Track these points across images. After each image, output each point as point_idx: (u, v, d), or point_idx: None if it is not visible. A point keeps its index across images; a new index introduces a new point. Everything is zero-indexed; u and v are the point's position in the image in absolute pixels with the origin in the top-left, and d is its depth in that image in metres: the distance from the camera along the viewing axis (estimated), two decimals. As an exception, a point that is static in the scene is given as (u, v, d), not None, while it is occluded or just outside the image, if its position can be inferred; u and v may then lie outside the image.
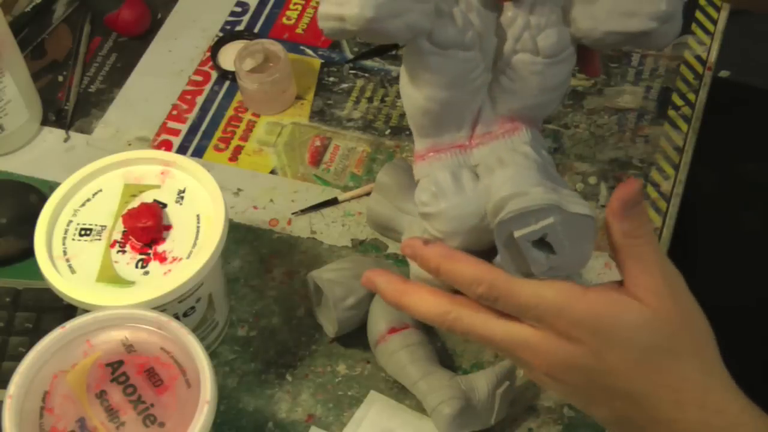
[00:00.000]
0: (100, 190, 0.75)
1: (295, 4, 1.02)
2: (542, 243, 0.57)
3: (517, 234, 0.56)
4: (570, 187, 0.60)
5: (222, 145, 0.92)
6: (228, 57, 0.96)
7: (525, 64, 0.59)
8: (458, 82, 0.59)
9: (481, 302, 0.59)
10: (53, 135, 0.94)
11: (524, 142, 0.60)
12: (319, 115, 0.94)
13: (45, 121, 0.94)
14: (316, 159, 0.90)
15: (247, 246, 0.85)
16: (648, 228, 0.57)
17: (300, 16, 1.01)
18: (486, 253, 0.60)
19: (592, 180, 0.87)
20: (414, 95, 0.60)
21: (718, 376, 0.58)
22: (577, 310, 0.57)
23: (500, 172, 0.59)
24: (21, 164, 0.91)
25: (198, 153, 0.91)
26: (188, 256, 0.71)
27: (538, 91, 0.60)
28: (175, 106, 0.95)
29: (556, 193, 0.57)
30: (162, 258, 0.72)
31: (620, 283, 0.58)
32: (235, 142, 0.92)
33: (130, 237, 0.72)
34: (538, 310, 0.57)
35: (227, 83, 0.96)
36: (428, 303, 0.61)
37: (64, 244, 0.72)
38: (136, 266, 0.71)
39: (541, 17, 0.58)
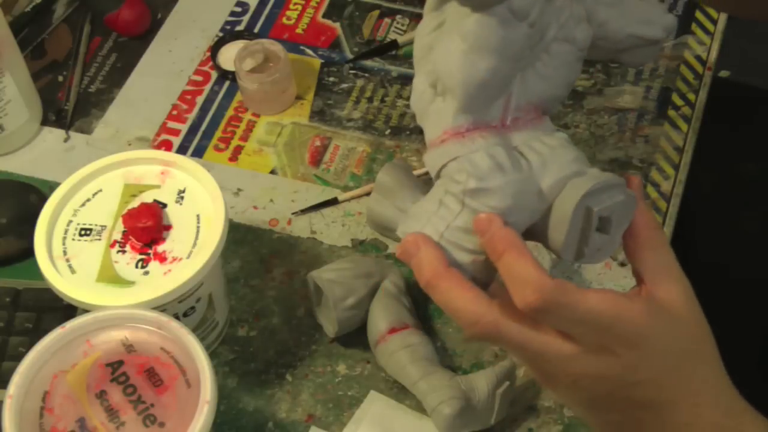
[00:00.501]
0: (100, 190, 0.75)
1: (295, 4, 1.02)
2: (599, 223, 0.58)
3: (596, 208, 0.57)
4: None
5: (222, 145, 0.92)
6: (228, 57, 0.96)
7: (561, 53, 0.60)
8: (516, 54, 0.58)
9: (521, 308, 0.56)
10: (53, 135, 0.94)
11: (555, 131, 0.61)
12: (319, 115, 0.94)
13: (45, 121, 0.94)
14: (316, 159, 0.90)
15: (247, 246, 0.85)
16: (662, 232, 0.58)
17: (300, 16, 1.01)
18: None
19: (592, 180, 0.87)
20: (476, 65, 0.58)
21: (724, 376, 0.58)
22: (625, 325, 0.55)
23: (556, 153, 0.59)
24: (21, 164, 0.91)
25: (198, 153, 0.91)
26: (188, 256, 0.71)
27: (565, 82, 0.61)
28: (175, 106, 0.95)
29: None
30: (162, 258, 0.72)
31: (640, 288, 0.58)
32: (235, 142, 0.92)
33: (130, 237, 0.72)
34: (593, 324, 0.55)
35: (227, 83, 0.96)
36: (465, 299, 0.57)
37: (64, 244, 0.72)
38: (136, 266, 0.71)
39: (580, 10, 0.60)
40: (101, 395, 0.64)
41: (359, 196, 0.88)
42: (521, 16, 0.57)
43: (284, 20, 1.01)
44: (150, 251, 0.72)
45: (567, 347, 0.56)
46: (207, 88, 0.96)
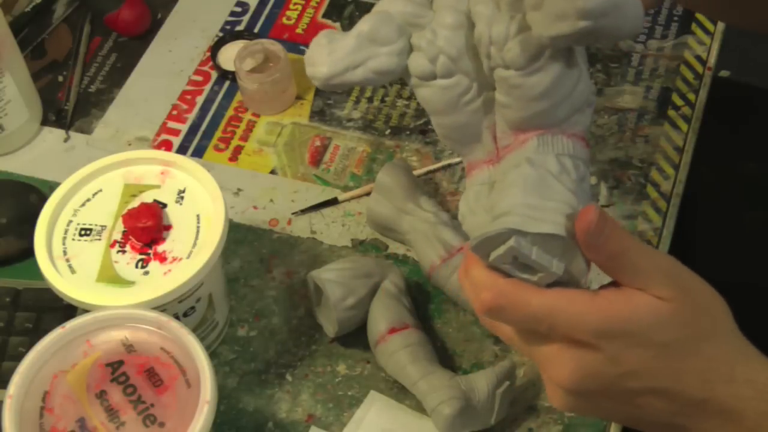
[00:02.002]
0: (100, 190, 0.75)
1: (295, 4, 1.02)
2: (525, 264, 0.56)
3: (490, 258, 0.56)
4: (571, 194, 0.57)
5: (222, 145, 0.92)
6: (228, 57, 0.96)
7: (503, 79, 0.57)
8: (451, 107, 0.59)
9: (487, 315, 0.58)
10: (53, 135, 0.94)
11: (525, 155, 0.58)
12: (319, 115, 0.94)
13: (45, 121, 0.94)
14: (316, 159, 0.90)
15: (247, 246, 0.85)
16: (623, 238, 0.56)
17: (300, 16, 1.01)
18: None
19: (592, 180, 0.87)
20: (432, 121, 0.61)
21: (740, 347, 0.57)
22: (590, 319, 0.55)
23: (497, 190, 0.58)
24: (21, 164, 0.91)
25: (198, 153, 0.91)
26: (188, 256, 0.71)
27: (525, 102, 0.57)
28: (175, 106, 0.95)
29: (531, 211, 0.55)
30: (162, 258, 0.72)
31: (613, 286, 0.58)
32: (235, 142, 0.92)
33: (130, 237, 0.72)
34: (551, 320, 0.56)
35: (227, 83, 0.96)
36: (482, 269, 0.58)
37: (64, 244, 0.72)
38: (136, 266, 0.71)
39: (499, 31, 0.56)
40: (101, 395, 0.64)
41: (359, 196, 0.88)
42: (423, 77, 0.59)
43: (284, 20, 1.01)
44: (150, 251, 0.72)
45: (547, 347, 0.57)
46: (207, 88, 0.96)
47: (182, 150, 0.91)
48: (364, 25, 0.59)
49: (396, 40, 0.58)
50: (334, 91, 0.57)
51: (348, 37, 0.59)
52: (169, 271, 0.71)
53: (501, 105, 0.58)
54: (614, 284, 0.57)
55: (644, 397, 0.58)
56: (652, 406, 0.58)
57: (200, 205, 0.74)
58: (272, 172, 0.90)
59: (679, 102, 0.93)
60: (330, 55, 0.58)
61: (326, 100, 0.94)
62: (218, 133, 0.93)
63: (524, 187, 0.56)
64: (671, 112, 0.92)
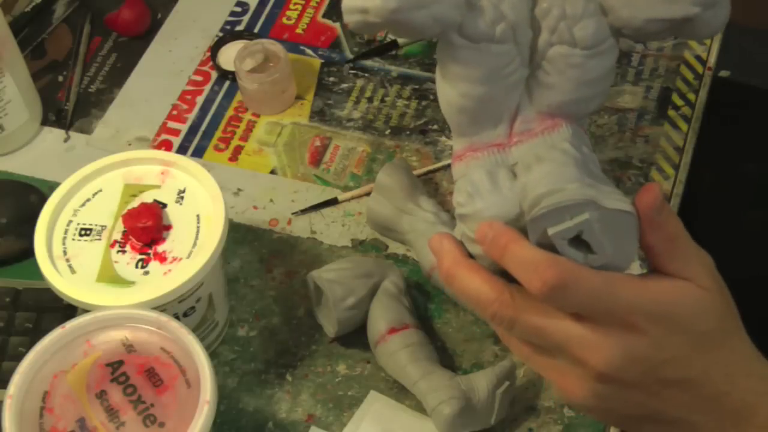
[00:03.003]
0: (100, 190, 0.75)
1: (295, 4, 1.02)
2: (580, 242, 0.55)
3: (550, 231, 0.54)
4: (613, 185, 0.57)
5: (222, 145, 0.92)
6: (228, 57, 0.96)
7: (562, 57, 0.57)
8: (493, 76, 0.57)
9: (536, 290, 0.55)
10: (53, 135, 0.94)
11: (564, 139, 0.58)
12: (319, 115, 0.94)
13: (45, 121, 0.94)
14: (316, 159, 0.90)
15: (247, 246, 0.85)
16: (677, 221, 0.57)
17: (300, 16, 1.01)
18: None
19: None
20: (448, 92, 0.59)
21: (751, 346, 0.59)
22: (642, 300, 0.55)
23: (537, 169, 0.57)
24: (21, 164, 0.91)
25: (198, 153, 0.91)
26: (188, 256, 0.71)
27: (576, 85, 0.57)
28: (175, 106, 0.95)
29: (594, 189, 0.55)
30: (162, 258, 0.72)
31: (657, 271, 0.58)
32: (235, 142, 0.92)
33: (130, 237, 0.72)
34: (612, 300, 0.55)
35: (227, 83, 0.96)
36: (481, 281, 0.57)
37: (64, 244, 0.72)
38: (136, 266, 0.71)
39: (577, 7, 0.56)
40: (101, 395, 0.64)
41: (359, 196, 0.88)
42: (475, 39, 0.57)
43: (284, 20, 1.01)
44: (150, 251, 0.72)
45: (589, 330, 0.55)
46: (207, 88, 0.96)
47: (182, 150, 0.91)
48: None
49: None
50: (396, 28, 0.54)
51: None
52: (169, 271, 0.71)
53: (545, 86, 0.58)
54: (653, 273, 0.57)
55: (671, 389, 0.57)
56: (675, 399, 0.58)
57: (200, 205, 0.74)
58: (272, 172, 0.90)
59: (679, 102, 0.93)
60: None
61: (326, 100, 0.94)
62: (218, 133, 0.93)
63: (576, 167, 0.56)
64: (671, 112, 0.92)
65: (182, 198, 0.74)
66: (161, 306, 0.69)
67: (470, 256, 0.59)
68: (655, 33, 0.56)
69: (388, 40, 0.98)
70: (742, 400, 0.57)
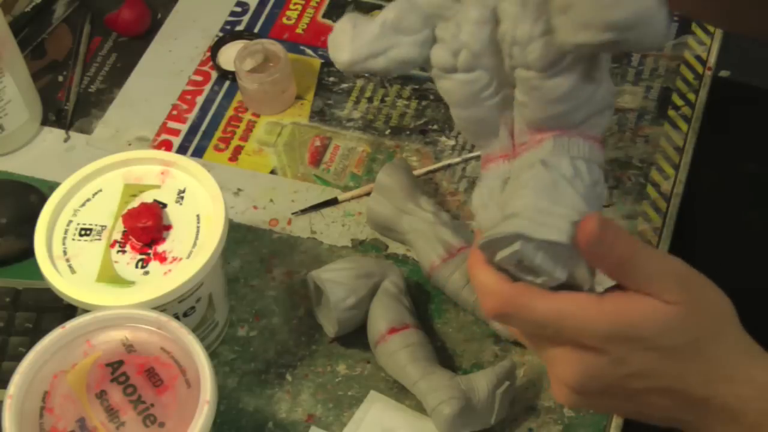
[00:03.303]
0: (100, 190, 0.75)
1: (295, 4, 1.02)
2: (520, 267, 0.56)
3: (496, 258, 0.56)
4: (579, 205, 0.56)
5: (222, 145, 0.92)
6: (228, 57, 0.96)
7: (523, 79, 0.57)
8: (470, 101, 0.59)
9: (487, 315, 0.59)
10: (53, 135, 0.93)
11: (540, 156, 0.58)
12: (319, 115, 0.93)
13: (45, 121, 0.94)
14: (316, 159, 0.90)
15: (247, 246, 0.85)
16: (626, 241, 0.56)
17: (300, 16, 1.01)
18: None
19: (592, 180, 0.87)
20: (451, 112, 0.61)
21: (743, 347, 0.58)
22: (597, 325, 0.56)
23: (508, 189, 0.58)
24: (21, 164, 0.91)
25: (198, 153, 0.91)
26: (188, 256, 0.71)
27: (544, 103, 0.57)
28: (175, 106, 0.95)
29: (539, 215, 0.55)
30: (162, 258, 0.72)
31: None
32: (235, 142, 0.92)
33: (130, 237, 0.72)
34: (558, 325, 0.56)
35: (227, 83, 0.96)
36: (490, 273, 0.58)
37: (64, 244, 0.72)
38: (136, 266, 0.71)
39: (524, 31, 0.56)
40: (101, 395, 0.64)
41: (359, 196, 0.88)
42: (444, 70, 0.59)
43: (284, 20, 1.01)
44: (150, 251, 0.72)
45: (555, 346, 0.58)
46: (207, 88, 0.96)
47: (182, 150, 0.91)
48: (389, 12, 0.58)
49: (420, 30, 0.58)
50: (356, 75, 0.58)
51: (372, 23, 0.58)
52: (169, 271, 0.71)
53: (520, 104, 0.58)
54: (619, 287, 0.57)
55: (648, 396, 0.58)
56: (656, 404, 0.58)
57: (200, 205, 0.74)
58: (272, 172, 0.90)
59: (679, 102, 0.93)
60: (353, 41, 0.58)
61: (326, 100, 0.94)
62: (218, 133, 0.93)
63: (536, 190, 0.56)
64: (671, 112, 0.92)
65: (182, 198, 0.74)
66: (161, 306, 0.69)
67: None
68: (594, 52, 0.56)
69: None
70: (725, 404, 0.57)
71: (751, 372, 0.57)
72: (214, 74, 0.97)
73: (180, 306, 0.72)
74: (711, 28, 0.98)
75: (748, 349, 0.58)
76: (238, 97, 0.95)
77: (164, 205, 0.74)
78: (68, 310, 0.75)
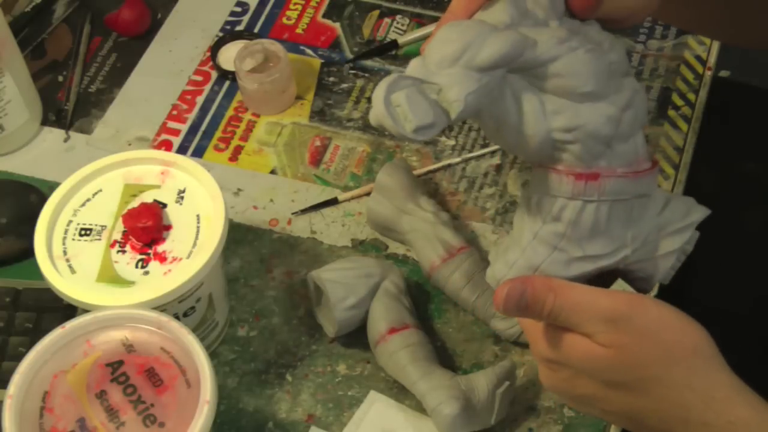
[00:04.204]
0: (100, 190, 0.75)
1: (295, 4, 1.02)
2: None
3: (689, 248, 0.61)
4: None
5: (222, 145, 0.92)
6: (228, 57, 0.96)
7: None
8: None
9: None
10: (53, 135, 0.93)
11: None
12: (319, 115, 0.93)
13: (45, 121, 0.94)
14: (316, 159, 0.90)
15: (247, 246, 0.85)
16: (548, 301, 0.58)
17: (300, 16, 1.01)
18: None
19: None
20: None
21: (702, 387, 0.57)
22: (539, 344, 0.60)
23: None
24: (21, 164, 0.91)
25: (198, 153, 0.91)
26: (188, 256, 0.71)
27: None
28: (175, 106, 0.95)
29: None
30: (162, 258, 0.72)
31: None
32: (235, 142, 0.92)
33: (130, 237, 0.72)
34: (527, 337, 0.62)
35: (227, 83, 0.96)
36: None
37: (64, 244, 0.72)
38: (136, 266, 0.71)
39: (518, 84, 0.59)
40: (101, 395, 0.64)
41: (359, 196, 0.88)
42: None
43: (284, 20, 1.01)
44: (150, 251, 0.72)
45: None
46: (207, 88, 0.96)
47: (182, 150, 0.91)
48: None
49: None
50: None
51: None
52: (169, 271, 0.71)
53: None
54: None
55: (613, 416, 0.60)
56: (624, 421, 0.61)
57: (200, 205, 0.74)
58: (272, 172, 0.90)
59: (679, 102, 0.93)
60: None
61: (326, 100, 0.94)
62: (218, 133, 0.93)
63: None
64: (671, 112, 0.92)
65: (182, 198, 0.74)
66: (161, 306, 0.69)
67: None
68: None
69: (387, 40, 0.98)
70: None
71: (707, 416, 0.56)
72: (214, 74, 0.97)
73: (180, 306, 0.72)
74: (711, 28, 0.98)
75: (711, 389, 0.57)
76: (238, 97, 0.95)
77: (164, 205, 0.74)
78: (68, 310, 0.75)
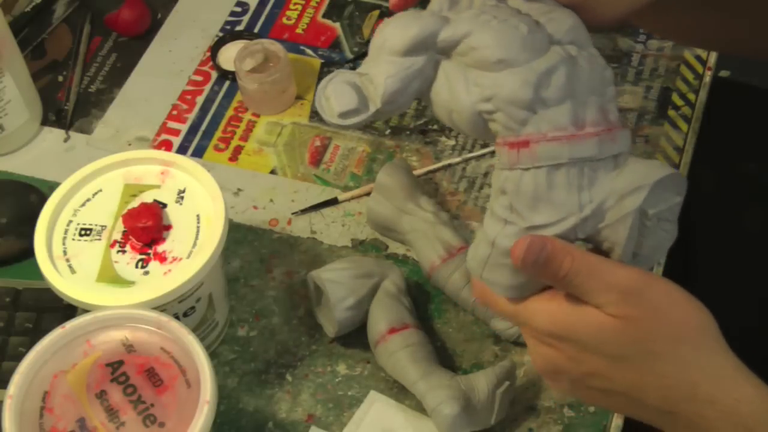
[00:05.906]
0: (100, 190, 0.75)
1: (295, 4, 1.02)
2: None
3: (652, 211, 0.58)
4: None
5: (222, 145, 0.92)
6: (228, 57, 0.96)
7: None
8: None
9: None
10: (53, 135, 0.94)
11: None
12: (319, 115, 0.93)
13: (45, 121, 0.94)
14: (316, 159, 0.90)
15: (247, 246, 0.85)
16: (566, 261, 0.57)
17: (300, 16, 1.01)
18: None
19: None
20: None
21: (709, 366, 0.57)
22: (540, 320, 0.59)
23: None
24: (21, 164, 0.91)
25: (198, 153, 0.91)
26: (188, 256, 0.71)
27: None
28: (175, 106, 0.95)
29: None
30: (162, 258, 0.72)
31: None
32: (235, 142, 0.92)
33: (130, 237, 0.72)
34: (521, 318, 0.60)
35: (227, 83, 0.96)
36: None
37: (64, 244, 0.72)
38: (136, 266, 0.71)
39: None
40: (101, 395, 0.64)
41: (359, 196, 0.88)
42: None
43: (284, 20, 1.01)
44: (150, 251, 0.72)
45: (528, 337, 0.62)
46: (207, 88, 0.96)
47: (182, 150, 0.91)
48: None
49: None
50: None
51: None
52: (169, 271, 0.71)
53: None
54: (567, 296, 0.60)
55: (613, 397, 0.59)
56: (620, 404, 0.60)
57: (200, 205, 0.74)
58: (272, 172, 0.90)
59: (679, 102, 0.93)
60: None
61: (326, 100, 0.94)
62: (218, 133, 0.93)
63: None
64: (671, 112, 0.92)
65: (182, 198, 0.74)
66: (161, 306, 0.69)
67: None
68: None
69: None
70: (690, 421, 0.57)
71: (714, 393, 0.56)
72: (214, 74, 0.97)
73: (180, 306, 0.72)
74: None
75: (716, 365, 0.57)
76: (238, 97, 0.95)
77: (164, 205, 0.74)
78: (68, 310, 0.75)
